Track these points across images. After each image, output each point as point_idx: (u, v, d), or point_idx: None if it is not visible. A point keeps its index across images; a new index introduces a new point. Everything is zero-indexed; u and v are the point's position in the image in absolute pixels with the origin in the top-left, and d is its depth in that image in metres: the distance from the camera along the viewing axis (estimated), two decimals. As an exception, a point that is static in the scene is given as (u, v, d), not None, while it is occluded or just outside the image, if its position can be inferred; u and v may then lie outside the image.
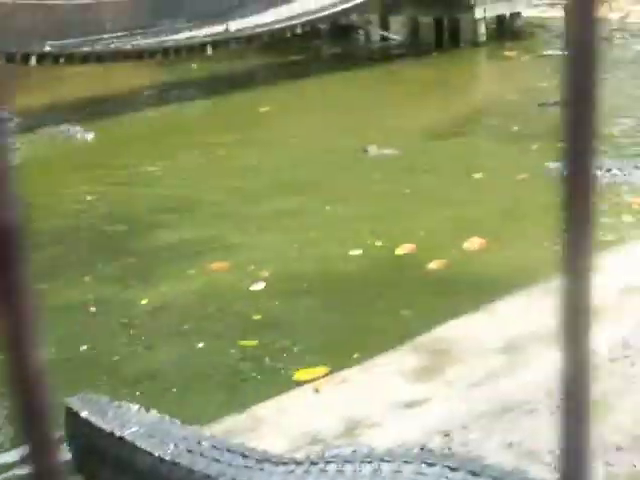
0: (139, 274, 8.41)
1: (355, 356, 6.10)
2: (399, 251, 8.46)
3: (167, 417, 4.53)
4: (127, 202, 10.74)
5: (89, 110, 15.65)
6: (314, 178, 11.07)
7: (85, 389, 5.08)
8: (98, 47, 17.15)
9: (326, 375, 5.89)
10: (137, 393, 5.93)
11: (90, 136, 13.81)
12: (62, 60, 16.43)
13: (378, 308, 7.19)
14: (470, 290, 7.12)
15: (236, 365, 6.49)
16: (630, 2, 25.19)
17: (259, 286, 7.88)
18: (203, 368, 6.47)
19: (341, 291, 7.73)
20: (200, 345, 6.81)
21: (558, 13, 23.02)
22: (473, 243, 8.53)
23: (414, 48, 21.14)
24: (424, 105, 14.34)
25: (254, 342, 6.77)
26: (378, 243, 8.73)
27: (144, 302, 7.72)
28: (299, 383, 5.81)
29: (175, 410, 4.91)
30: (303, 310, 7.36)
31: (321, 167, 11.54)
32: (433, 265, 8.00)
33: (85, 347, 6.89)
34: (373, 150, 12.01)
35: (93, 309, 7.62)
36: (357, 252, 8.53)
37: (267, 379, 6.20)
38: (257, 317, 7.22)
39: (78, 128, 14.01)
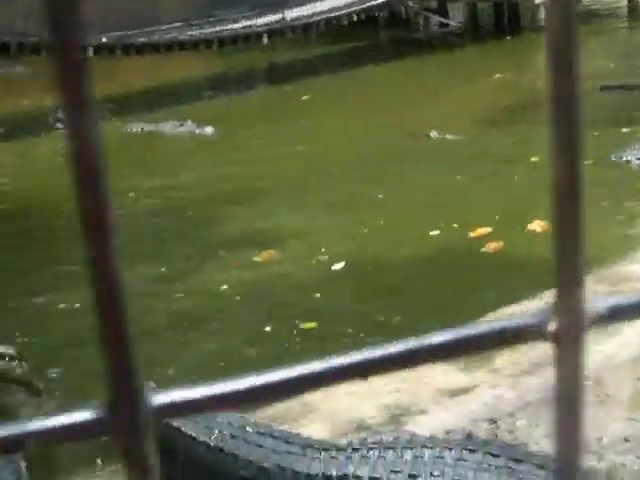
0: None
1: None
2: (472, 234, 8.42)
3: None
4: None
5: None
6: (378, 164, 10.92)
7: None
8: (154, 38, 17.15)
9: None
10: None
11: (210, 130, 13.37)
12: (118, 51, 16.43)
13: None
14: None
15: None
16: None
17: (338, 266, 7.93)
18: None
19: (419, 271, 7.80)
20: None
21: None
22: (536, 226, 8.37)
23: (473, 34, 20.82)
24: (482, 92, 14.09)
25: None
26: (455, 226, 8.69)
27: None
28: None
29: None
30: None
31: (381, 152, 11.32)
32: (491, 248, 7.94)
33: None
34: (435, 135, 11.90)
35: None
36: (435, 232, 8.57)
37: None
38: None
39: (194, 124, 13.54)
